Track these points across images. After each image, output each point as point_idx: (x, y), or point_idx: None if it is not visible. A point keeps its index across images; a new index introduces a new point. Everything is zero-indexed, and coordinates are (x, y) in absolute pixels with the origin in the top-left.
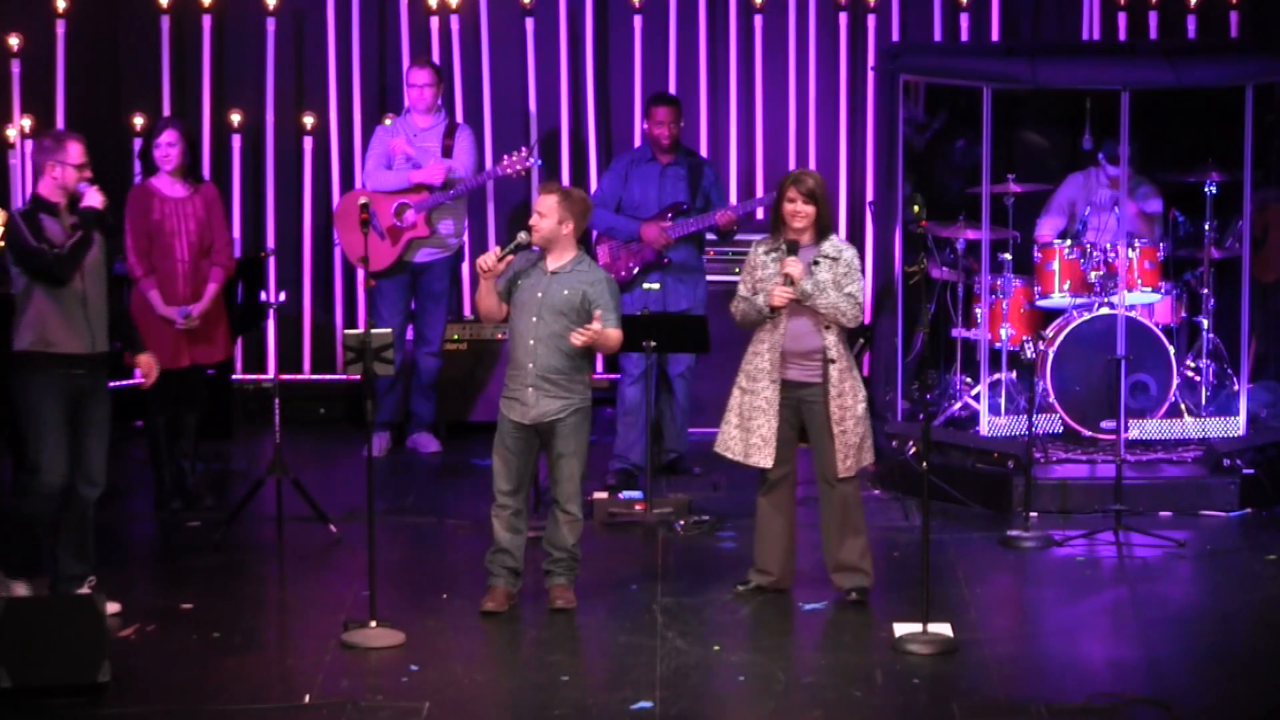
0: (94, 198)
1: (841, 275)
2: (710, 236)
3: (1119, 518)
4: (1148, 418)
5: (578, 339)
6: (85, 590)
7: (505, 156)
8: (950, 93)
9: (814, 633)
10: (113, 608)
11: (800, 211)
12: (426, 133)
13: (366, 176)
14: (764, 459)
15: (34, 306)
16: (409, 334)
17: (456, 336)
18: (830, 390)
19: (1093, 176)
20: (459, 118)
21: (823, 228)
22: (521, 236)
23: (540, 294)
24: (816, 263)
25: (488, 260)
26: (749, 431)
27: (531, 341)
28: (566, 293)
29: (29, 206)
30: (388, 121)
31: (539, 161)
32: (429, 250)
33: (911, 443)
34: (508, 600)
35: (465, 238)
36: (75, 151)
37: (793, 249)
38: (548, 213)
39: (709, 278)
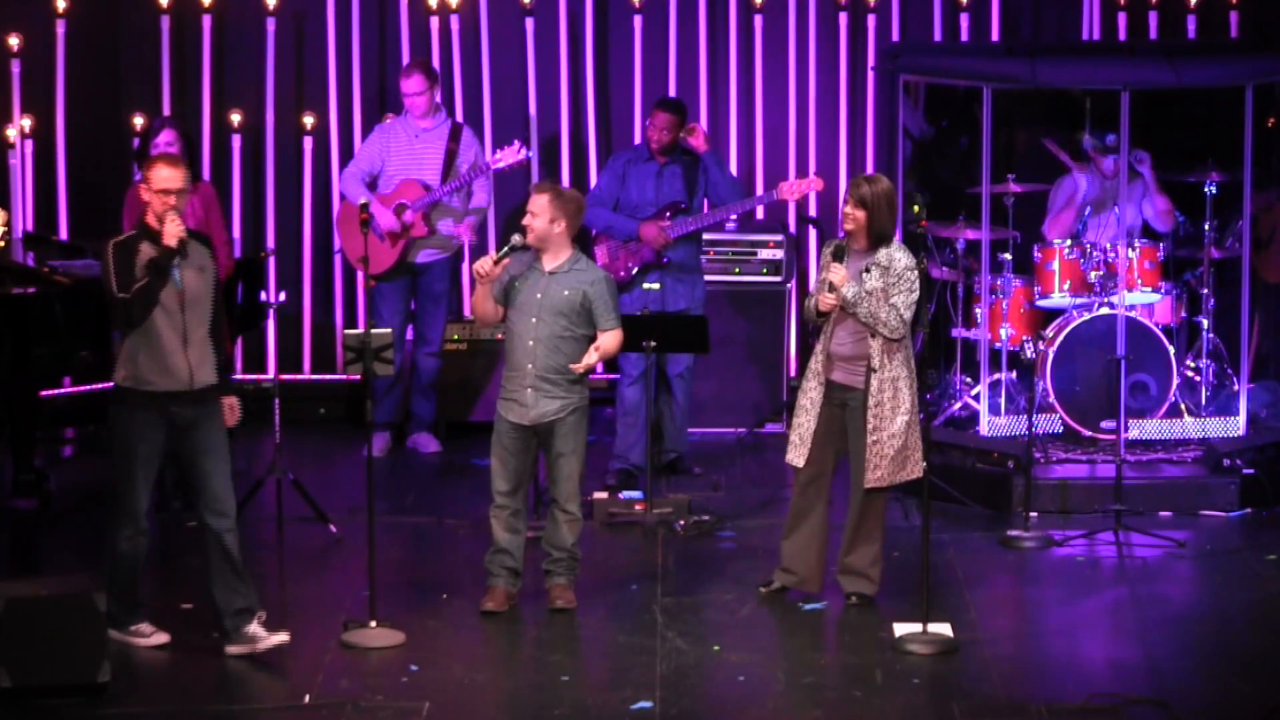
0: (169, 233)
1: (890, 285)
2: (713, 236)
3: (1119, 518)
4: (1148, 418)
5: (580, 369)
6: (255, 625)
7: (497, 150)
8: (950, 92)
9: (814, 633)
10: (279, 638)
11: (848, 215)
12: (428, 134)
13: (343, 177)
14: (797, 457)
15: (129, 340)
16: (408, 334)
17: (456, 337)
18: (869, 399)
19: (1087, 174)
20: (459, 118)
21: (876, 235)
22: (516, 239)
23: (539, 295)
24: (868, 270)
25: (484, 265)
26: (792, 430)
27: (531, 342)
28: (567, 293)
29: (134, 233)
30: (388, 120)
31: (532, 154)
32: (429, 251)
33: None
34: (508, 600)
35: (466, 238)
36: (160, 176)
37: (838, 254)
38: (540, 212)
39: (707, 278)
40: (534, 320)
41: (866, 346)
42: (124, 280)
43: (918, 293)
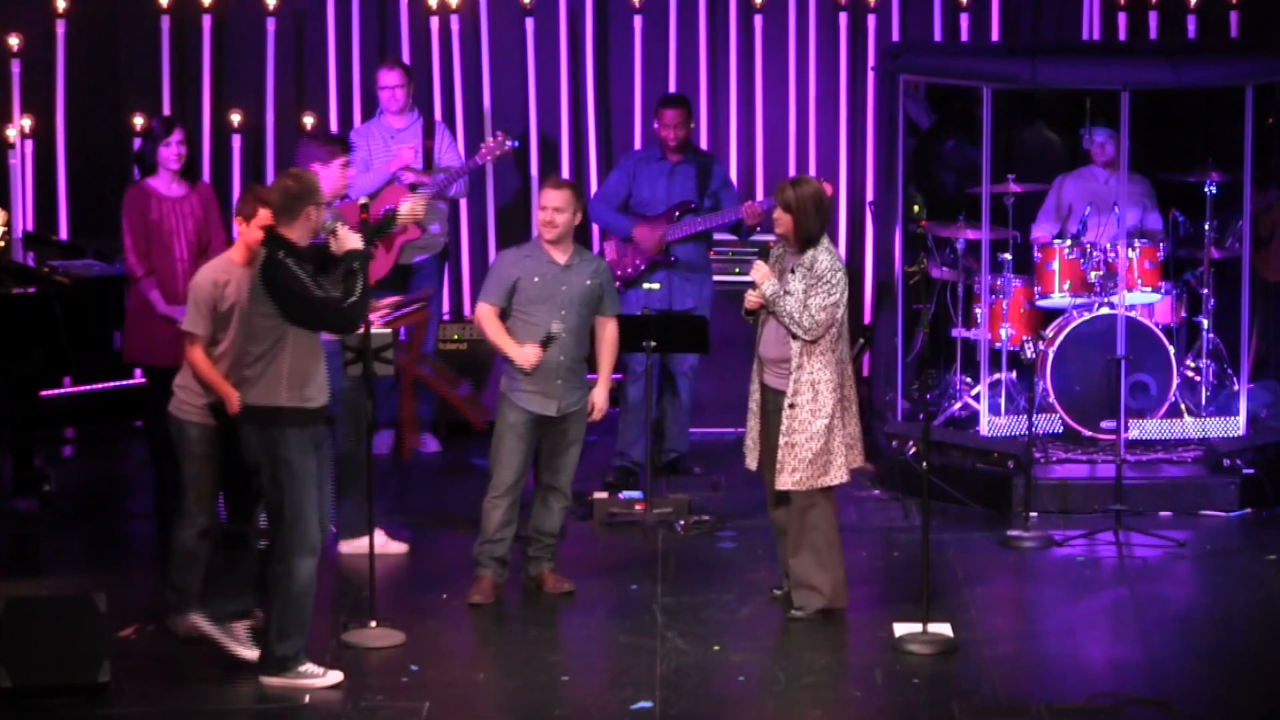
0: (354, 239)
1: (809, 286)
2: (718, 236)
3: (1119, 518)
4: (1148, 418)
5: (600, 415)
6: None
7: (481, 145)
8: (951, 92)
9: (814, 633)
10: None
11: (778, 219)
12: (402, 133)
13: (350, 186)
14: (750, 461)
15: (294, 359)
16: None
17: (456, 336)
18: (785, 400)
19: (1086, 175)
20: (458, 118)
21: (804, 238)
22: (555, 329)
23: (563, 288)
24: (793, 271)
25: (534, 358)
26: (746, 434)
27: (564, 335)
28: (589, 283)
29: (285, 252)
30: (359, 125)
31: (516, 143)
32: (417, 252)
33: (911, 443)
34: (494, 591)
35: (465, 233)
36: (325, 191)
37: (763, 254)
38: (565, 207)
39: (715, 278)
40: (563, 313)
41: (788, 349)
42: (320, 287)
43: (838, 295)
